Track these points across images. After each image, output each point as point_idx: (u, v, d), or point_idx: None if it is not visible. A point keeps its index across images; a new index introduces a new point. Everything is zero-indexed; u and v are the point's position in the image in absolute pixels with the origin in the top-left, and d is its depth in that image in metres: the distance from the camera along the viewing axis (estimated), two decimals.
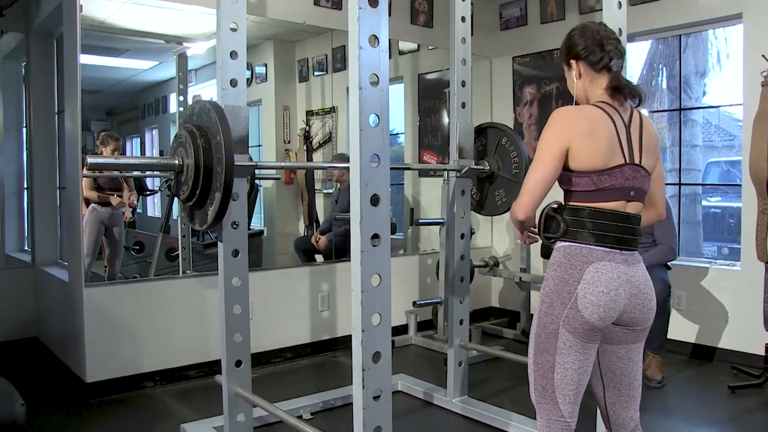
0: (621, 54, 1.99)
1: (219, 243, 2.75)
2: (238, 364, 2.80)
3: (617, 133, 1.89)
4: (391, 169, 1.81)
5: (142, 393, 3.83)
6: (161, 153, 5.80)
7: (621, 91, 1.94)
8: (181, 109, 4.93)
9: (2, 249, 5.01)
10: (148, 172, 4.78)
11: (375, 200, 1.74)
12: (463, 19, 3.44)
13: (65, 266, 4.48)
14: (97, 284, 3.86)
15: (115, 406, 3.64)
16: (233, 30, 2.73)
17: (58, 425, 3.36)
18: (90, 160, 2.37)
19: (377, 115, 1.74)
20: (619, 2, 2.65)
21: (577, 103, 2.03)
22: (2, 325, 4.33)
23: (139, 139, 5.92)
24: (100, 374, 3.73)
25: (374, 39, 1.73)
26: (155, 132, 5.84)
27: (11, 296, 4.63)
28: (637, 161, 1.92)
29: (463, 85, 3.44)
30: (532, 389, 1.95)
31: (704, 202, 6.82)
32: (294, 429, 2.59)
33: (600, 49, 1.96)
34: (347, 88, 5.49)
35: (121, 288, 3.92)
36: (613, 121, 1.90)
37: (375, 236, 1.74)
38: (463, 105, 3.44)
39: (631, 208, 1.92)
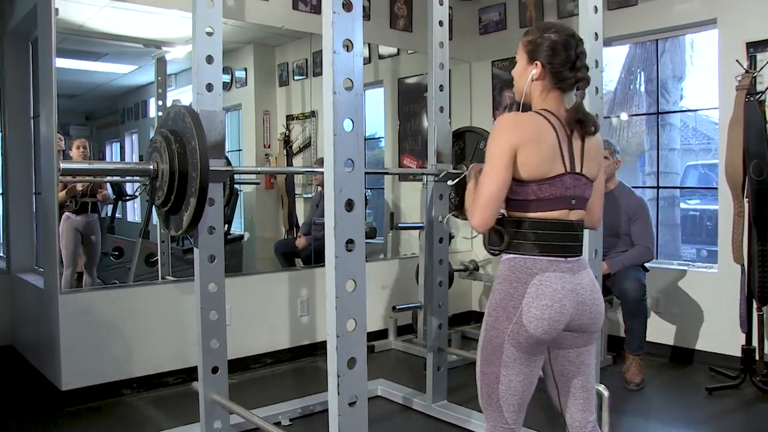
0: (587, 83, 1.93)
1: (195, 248, 2.73)
2: (215, 370, 2.77)
3: (559, 142, 1.86)
4: (367, 173, 1.81)
5: (119, 401, 3.78)
6: (140, 158, 5.75)
7: (583, 124, 1.89)
8: (160, 113, 4.91)
9: None
10: (127, 177, 4.73)
11: (349, 205, 1.73)
12: (440, 23, 3.44)
13: (41, 273, 4.43)
14: (73, 291, 3.82)
15: (91, 414, 3.59)
16: (209, 34, 2.72)
17: None
18: (63, 165, 2.36)
19: (351, 120, 1.72)
20: (596, 7, 2.67)
21: (522, 107, 1.98)
22: None
23: (119, 143, 5.87)
24: (76, 382, 3.67)
25: (349, 43, 1.72)
26: (135, 137, 5.79)
27: None
28: (578, 170, 1.89)
29: (441, 90, 3.44)
30: (479, 395, 1.97)
31: (682, 205, 6.88)
32: None
33: (570, 71, 1.91)
34: None
35: (98, 294, 3.87)
36: (556, 131, 1.87)
37: (350, 241, 1.73)
38: (441, 109, 3.44)
39: (574, 215, 1.91)
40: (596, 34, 2.64)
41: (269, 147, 5.60)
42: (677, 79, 5.61)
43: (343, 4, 1.70)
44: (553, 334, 1.85)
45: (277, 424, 3.43)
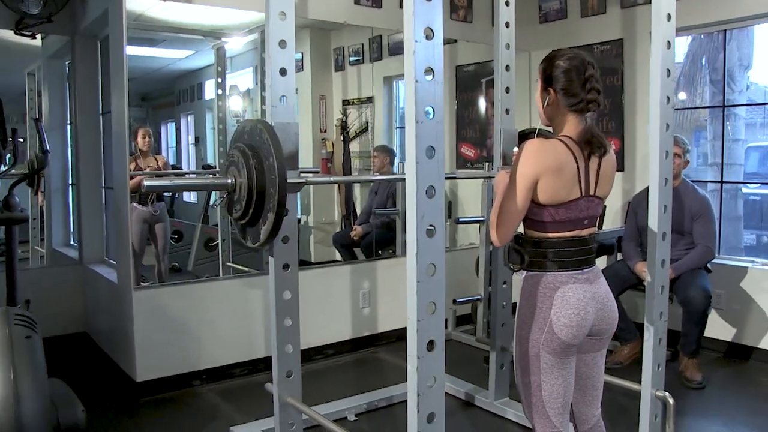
0: (598, 105, 2.05)
1: (269, 257, 2.81)
2: (289, 374, 2.86)
3: (578, 168, 2.00)
4: None
5: (190, 391, 3.94)
6: (197, 139, 5.88)
7: (591, 144, 2.02)
8: (219, 102, 5.00)
9: (50, 244, 5.13)
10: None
11: (430, 192, 1.76)
12: (507, 24, 3.44)
13: (112, 265, 4.59)
14: (146, 287, 3.95)
15: (165, 405, 3.75)
16: (282, 46, 2.75)
17: (111, 424, 3.48)
18: (146, 183, 2.43)
19: (433, 108, 1.75)
20: None
21: (547, 127, 2.15)
22: (52, 320, 4.43)
23: (174, 124, 6.01)
24: (150, 374, 3.84)
25: (429, 32, 1.74)
26: (190, 118, 5.92)
27: (60, 293, 4.75)
28: (592, 192, 2.05)
29: (507, 92, 3.45)
30: (524, 406, 2.14)
31: (744, 189, 6.71)
32: None
33: (582, 95, 2.02)
34: (384, 78, 5.55)
35: (169, 290, 4.01)
36: (575, 156, 2.00)
37: (431, 227, 1.77)
38: (507, 111, 3.45)
39: (586, 233, 2.08)
40: (669, 15, 2.58)
41: (326, 132, 5.67)
42: (744, 67, 5.46)
43: None
44: (580, 338, 2.03)
45: (344, 419, 3.54)
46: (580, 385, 2.17)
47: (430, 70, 1.75)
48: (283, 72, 2.76)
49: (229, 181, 2.60)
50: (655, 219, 2.63)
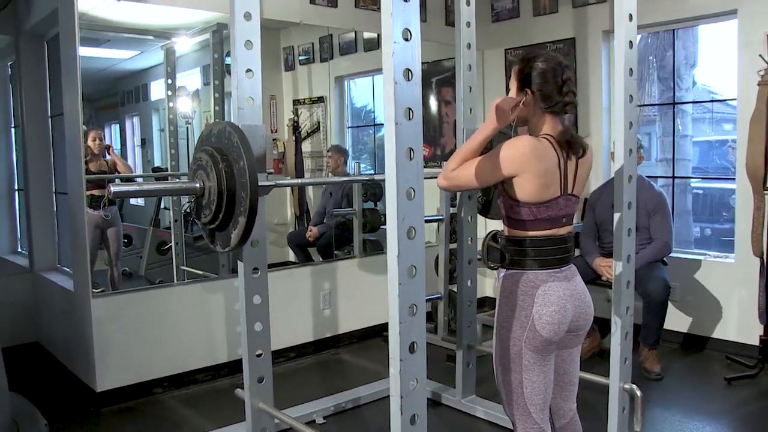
0: (575, 106, 2.11)
1: (239, 261, 2.76)
2: (261, 379, 2.83)
3: (559, 167, 2.04)
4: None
5: (152, 399, 3.85)
6: (143, 141, 5.74)
7: (571, 146, 2.06)
8: (170, 103, 4.90)
9: None
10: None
11: (410, 194, 1.76)
12: (468, 24, 3.45)
13: (65, 272, 4.45)
14: (104, 294, 3.85)
15: (128, 414, 3.66)
16: (248, 47, 2.71)
17: None
18: (113, 188, 2.36)
19: (411, 110, 1.74)
20: None
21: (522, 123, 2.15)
22: (3, 331, 4.28)
23: (118, 125, 5.85)
24: (110, 383, 3.74)
25: (408, 33, 1.73)
26: (136, 120, 5.77)
27: (9, 302, 4.59)
28: (570, 191, 2.08)
29: (470, 91, 3.46)
30: (505, 404, 2.15)
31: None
32: None
33: (558, 96, 2.06)
34: (335, 78, 5.52)
35: (127, 297, 3.90)
36: (558, 156, 2.03)
37: (411, 229, 1.77)
38: (471, 110, 3.46)
39: (564, 231, 2.11)
40: (630, 15, 2.62)
41: (276, 131, 5.60)
42: (690, 66, 5.62)
43: None
44: (561, 335, 2.06)
45: (312, 422, 3.52)
46: (557, 381, 2.21)
47: (408, 72, 1.75)
48: (249, 73, 2.72)
49: (198, 185, 2.54)
50: (621, 215, 2.67)
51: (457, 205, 3.56)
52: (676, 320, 4.58)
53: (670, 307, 4.47)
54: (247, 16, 2.70)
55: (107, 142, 5.81)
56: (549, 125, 2.08)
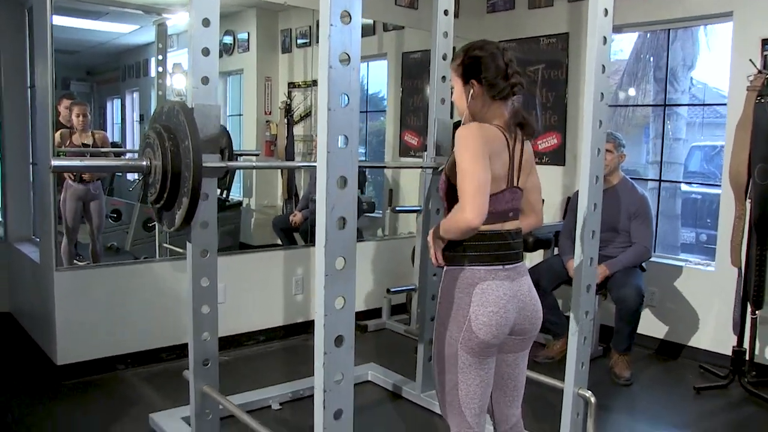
0: (523, 87, 2.01)
1: (187, 243, 2.72)
2: (206, 362, 2.79)
3: (510, 157, 1.97)
4: (367, 167, 1.75)
5: (113, 376, 3.83)
6: (141, 117, 5.71)
7: (523, 127, 1.99)
8: (159, 79, 4.86)
9: None
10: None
11: (342, 183, 1.69)
12: (446, 12, 3.37)
13: (38, 243, 4.43)
14: (69, 268, 3.82)
15: (86, 389, 3.64)
16: (206, 24, 2.64)
17: (27, 407, 3.35)
18: (54, 162, 2.32)
19: (347, 95, 1.68)
20: None
21: (471, 118, 2.01)
22: None
23: (119, 100, 5.82)
24: (72, 357, 3.72)
25: (346, 14, 1.66)
26: (136, 95, 5.73)
27: None
28: (515, 184, 2.01)
29: (444, 81, 3.38)
30: (440, 404, 2.08)
31: (684, 187, 6.78)
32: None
33: (504, 81, 1.97)
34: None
35: (95, 271, 3.88)
36: (509, 147, 1.96)
37: (341, 219, 1.70)
38: (443, 101, 3.39)
39: (509, 226, 2.01)
40: (606, 10, 2.53)
41: (270, 114, 5.56)
42: (687, 67, 5.49)
43: None
44: (501, 338, 1.96)
45: (267, 408, 3.48)
46: (500, 385, 2.13)
47: (346, 56, 1.68)
48: (205, 52, 2.65)
49: (144, 163, 2.49)
50: (585, 217, 2.60)
51: (425, 198, 3.49)
52: (653, 326, 4.50)
53: (648, 313, 4.41)
54: None
55: (108, 116, 5.82)
56: (497, 113, 1.98)
